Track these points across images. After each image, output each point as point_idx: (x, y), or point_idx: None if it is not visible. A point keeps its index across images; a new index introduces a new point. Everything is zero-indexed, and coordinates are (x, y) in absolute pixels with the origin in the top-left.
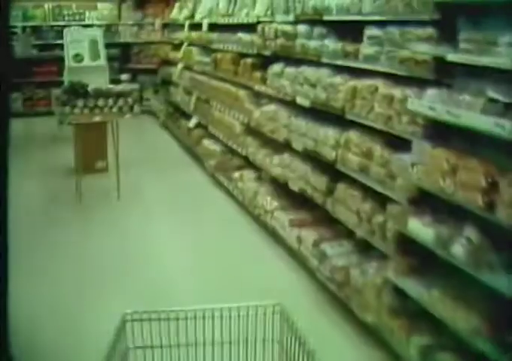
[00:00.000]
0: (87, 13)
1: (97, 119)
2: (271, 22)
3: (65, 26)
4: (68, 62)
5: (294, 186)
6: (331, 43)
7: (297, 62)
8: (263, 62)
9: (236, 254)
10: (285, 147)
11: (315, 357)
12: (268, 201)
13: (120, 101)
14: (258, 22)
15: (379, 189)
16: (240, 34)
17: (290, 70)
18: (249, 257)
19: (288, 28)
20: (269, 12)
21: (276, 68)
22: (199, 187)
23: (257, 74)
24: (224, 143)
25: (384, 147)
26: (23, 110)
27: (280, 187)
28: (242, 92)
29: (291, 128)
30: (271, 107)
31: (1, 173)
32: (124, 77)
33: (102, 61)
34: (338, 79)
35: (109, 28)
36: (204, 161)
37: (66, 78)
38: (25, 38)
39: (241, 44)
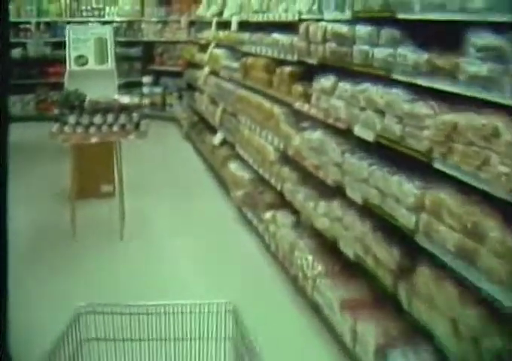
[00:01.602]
0: (107, 9)
1: (93, 140)
2: (318, 20)
3: (82, 23)
4: (70, 65)
5: (347, 250)
6: (410, 54)
7: (355, 75)
8: (306, 73)
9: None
10: (336, 192)
11: (261, 356)
12: (309, 262)
13: (123, 118)
14: (300, 20)
15: (491, 289)
16: (276, 35)
17: (345, 86)
18: (283, 342)
19: (343, 29)
20: (315, 7)
21: (325, 82)
22: (222, 224)
23: (298, 88)
24: (253, 169)
25: (505, 227)
26: (36, 114)
27: (326, 244)
28: (277, 110)
29: (344, 169)
30: (316, 135)
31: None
32: (146, 79)
33: (110, 64)
34: (423, 108)
35: (131, 26)
36: (230, 188)
37: (66, 85)
38: (39, 35)
39: (277, 48)
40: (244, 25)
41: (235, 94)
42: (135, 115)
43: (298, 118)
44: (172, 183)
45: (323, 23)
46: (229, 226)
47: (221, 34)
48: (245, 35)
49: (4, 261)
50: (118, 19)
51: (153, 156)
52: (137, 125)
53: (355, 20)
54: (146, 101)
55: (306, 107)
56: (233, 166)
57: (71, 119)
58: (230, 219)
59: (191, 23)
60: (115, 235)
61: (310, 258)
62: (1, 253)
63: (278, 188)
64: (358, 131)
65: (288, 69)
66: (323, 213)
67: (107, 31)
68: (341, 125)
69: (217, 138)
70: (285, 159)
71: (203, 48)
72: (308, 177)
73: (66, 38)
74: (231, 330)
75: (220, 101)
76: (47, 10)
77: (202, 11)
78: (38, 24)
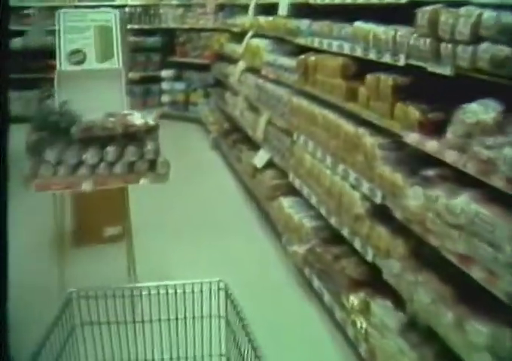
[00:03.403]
0: None
1: (84, 188)
2: (453, 2)
3: (93, 7)
4: (60, 64)
5: None
6: None
7: None
8: (422, 86)
9: None
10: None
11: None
12: None
13: (131, 151)
14: (413, 2)
15: None
16: (361, 25)
17: None
18: None
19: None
20: None
21: (484, 112)
22: (274, 289)
23: (412, 112)
24: (319, 213)
25: None
26: None
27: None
28: (370, 139)
29: None
30: (461, 201)
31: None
32: (166, 73)
33: (117, 62)
34: None
35: (147, 11)
36: (281, 233)
37: (56, 94)
38: (40, 22)
39: (362, 43)
40: (300, 9)
41: (289, 103)
42: (149, 147)
43: (410, 159)
44: (199, 219)
45: (470, 9)
46: (284, 295)
47: (263, 20)
48: (302, 22)
49: (4, 261)
50: (132, 2)
51: (173, 175)
52: (152, 164)
53: None
54: (156, 123)
55: (431, 146)
56: (288, 204)
57: (49, 155)
58: (283, 284)
59: (220, 6)
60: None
61: None
62: (1, 253)
63: (369, 258)
64: None
65: (389, 79)
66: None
67: (112, 17)
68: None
69: (261, 158)
70: (381, 214)
71: (236, 37)
72: (431, 258)
73: (56, 27)
74: (224, 308)
75: (264, 109)
76: None
77: None
78: (40, 9)
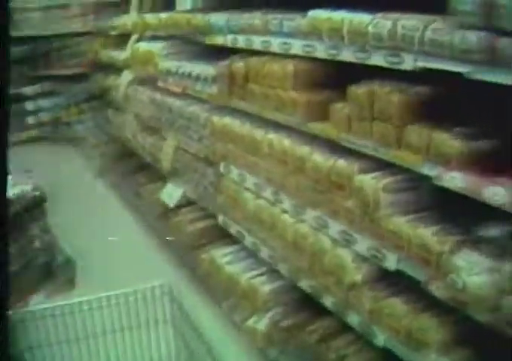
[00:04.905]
0: None
1: None
2: None
3: None
4: None
5: None
6: None
7: None
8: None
9: None
10: None
11: (203, 334)
12: None
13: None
14: None
15: None
16: (322, 14)
17: None
18: None
19: None
20: None
21: None
22: None
23: (451, 144)
24: (275, 270)
25: None
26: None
27: None
28: (370, 182)
29: None
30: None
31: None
32: (31, 90)
33: None
34: None
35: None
36: (221, 299)
37: None
38: None
39: (328, 39)
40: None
41: (208, 123)
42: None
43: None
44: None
45: None
46: None
47: (152, 17)
48: (216, 16)
49: (4, 260)
50: None
51: (55, 220)
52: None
53: None
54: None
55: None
56: (224, 257)
57: None
58: None
59: (94, 6)
60: None
61: None
62: (1, 253)
63: (380, 343)
64: None
65: (395, 93)
66: None
67: None
68: None
69: (171, 195)
70: (389, 281)
71: (118, 41)
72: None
73: None
74: (169, 312)
75: (168, 131)
76: None
77: None
78: None
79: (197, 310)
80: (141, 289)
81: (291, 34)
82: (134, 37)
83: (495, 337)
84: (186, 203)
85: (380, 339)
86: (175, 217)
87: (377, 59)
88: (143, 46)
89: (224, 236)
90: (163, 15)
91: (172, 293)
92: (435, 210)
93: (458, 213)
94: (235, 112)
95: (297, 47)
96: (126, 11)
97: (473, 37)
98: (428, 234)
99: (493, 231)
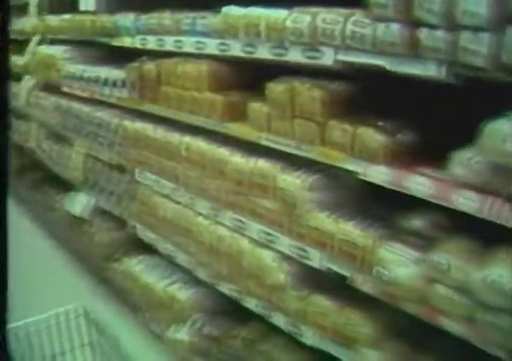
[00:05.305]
0: None
1: None
2: None
3: None
4: None
5: None
6: None
7: None
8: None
9: None
10: None
11: (124, 352)
12: None
13: None
14: None
15: None
16: (237, 10)
17: None
18: None
19: None
20: None
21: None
22: None
23: (371, 134)
24: (193, 276)
25: None
26: None
27: None
28: (293, 180)
29: None
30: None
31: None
32: None
33: None
34: None
35: None
36: (138, 310)
37: None
38: None
39: (244, 37)
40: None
41: (120, 129)
42: None
43: (357, 198)
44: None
45: None
46: None
47: (54, 19)
48: (122, 17)
49: (4, 259)
50: None
51: None
52: None
53: None
54: None
55: (427, 186)
56: (138, 266)
57: None
58: None
59: None
60: None
61: None
62: (2, 254)
63: (309, 341)
64: None
65: (316, 89)
66: None
67: None
68: None
69: (82, 205)
70: (314, 281)
71: (17, 47)
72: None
73: None
74: (86, 335)
75: (77, 138)
76: None
77: None
78: None
79: (117, 326)
80: (53, 314)
81: (204, 33)
82: (34, 40)
83: (427, 328)
84: (100, 213)
85: (308, 338)
86: (88, 229)
87: (295, 55)
88: (44, 50)
89: (139, 246)
90: (66, 16)
91: (88, 314)
92: (360, 205)
93: (384, 207)
94: (147, 116)
95: (211, 45)
96: (27, 14)
97: (393, 30)
98: (351, 229)
99: (417, 222)
